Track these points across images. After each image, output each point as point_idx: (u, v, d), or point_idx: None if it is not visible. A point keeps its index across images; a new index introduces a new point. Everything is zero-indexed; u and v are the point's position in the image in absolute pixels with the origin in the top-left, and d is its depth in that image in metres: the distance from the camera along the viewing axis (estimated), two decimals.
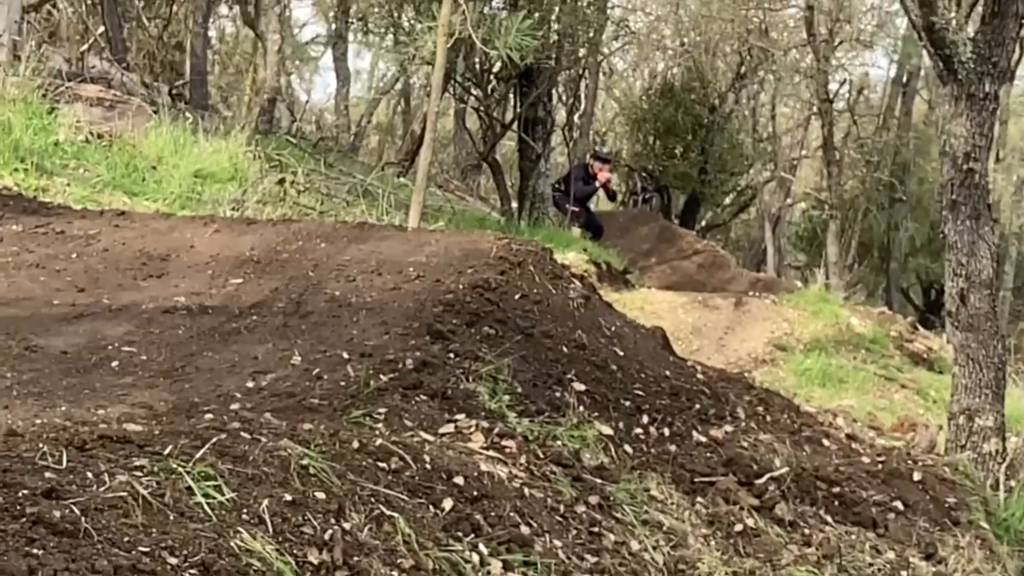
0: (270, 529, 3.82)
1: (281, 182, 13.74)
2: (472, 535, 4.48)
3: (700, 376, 7.37)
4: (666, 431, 6.17)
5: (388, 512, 4.27)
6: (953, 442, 8.84)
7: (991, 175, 11.18)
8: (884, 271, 37.31)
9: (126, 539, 3.41)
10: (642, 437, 6.02)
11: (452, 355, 5.75)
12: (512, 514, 4.70)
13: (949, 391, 9.29)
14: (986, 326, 8.70)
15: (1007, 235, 31.73)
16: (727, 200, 37.38)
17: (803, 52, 34.58)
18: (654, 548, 5.24)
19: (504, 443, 5.17)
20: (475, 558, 4.38)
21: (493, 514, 4.64)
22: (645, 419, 6.16)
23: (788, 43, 35.11)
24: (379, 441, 4.61)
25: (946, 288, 9.05)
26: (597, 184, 24.13)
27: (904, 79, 36.71)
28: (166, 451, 3.96)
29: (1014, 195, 32.78)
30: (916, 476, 6.99)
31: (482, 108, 20.82)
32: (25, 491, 3.44)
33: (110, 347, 5.94)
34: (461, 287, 6.46)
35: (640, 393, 6.40)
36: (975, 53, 8.37)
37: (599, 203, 26.55)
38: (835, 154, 32.19)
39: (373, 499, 4.30)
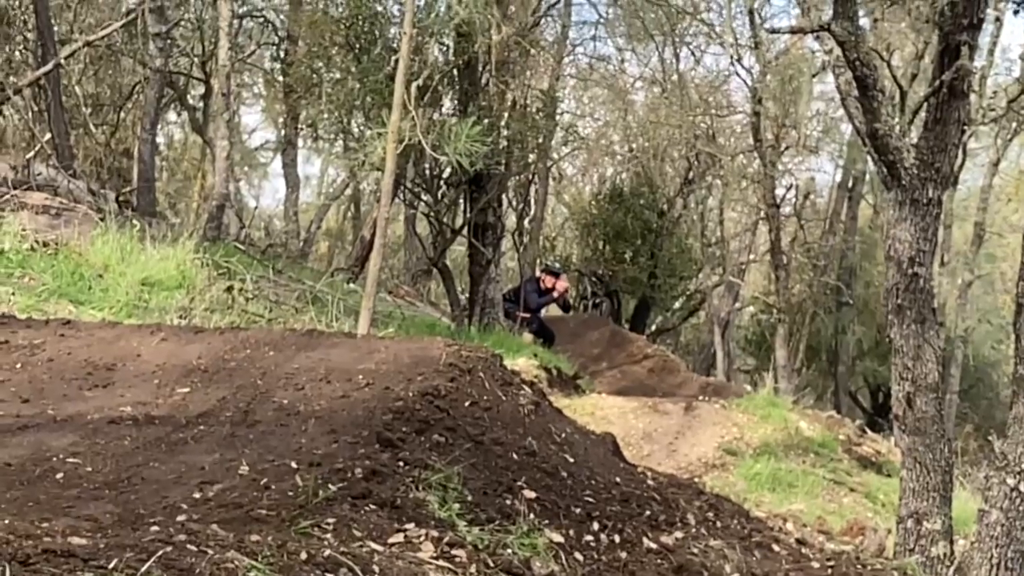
0: None
1: (229, 289, 13.70)
2: None
3: (650, 482, 7.35)
4: (616, 538, 6.14)
5: None
6: (902, 545, 8.87)
7: (936, 279, 11.28)
8: (832, 374, 37.48)
9: None
10: (593, 544, 5.99)
11: (402, 463, 5.73)
12: None
13: (897, 494, 9.32)
14: (933, 429, 8.75)
15: (952, 338, 31.94)
16: (677, 304, 37.58)
17: (750, 157, 34.94)
18: None
19: (454, 552, 5.13)
20: None
21: None
22: (596, 526, 6.14)
23: (735, 149, 35.48)
24: (327, 552, 4.57)
25: (893, 392, 9.10)
26: (555, 294, 24.28)
27: (849, 184, 37.12)
28: (111, 565, 3.92)
29: (959, 299, 33.05)
30: None
31: (432, 214, 20.87)
32: None
33: (55, 458, 5.88)
34: (411, 394, 6.44)
35: (591, 500, 6.38)
36: (918, 159, 8.49)
37: (549, 309, 26.61)
38: (783, 258, 32.40)
39: None
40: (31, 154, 19.23)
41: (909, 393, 8.72)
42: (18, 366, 7.18)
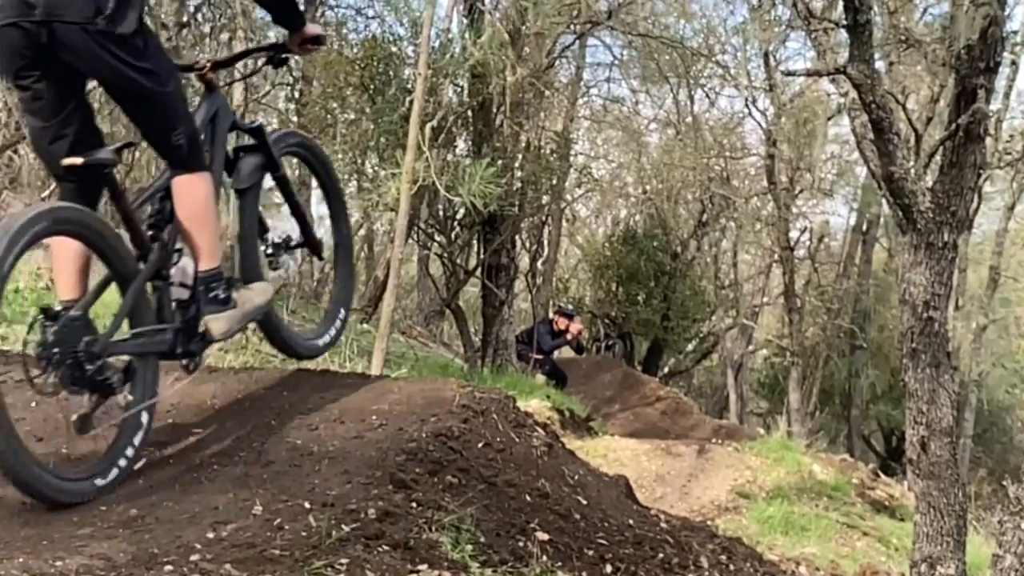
0: None
1: (243, 329, 13.71)
2: None
3: (663, 525, 7.34)
4: None
5: None
6: None
7: (951, 323, 11.27)
8: (845, 418, 37.39)
9: None
10: None
11: (415, 504, 5.71)
12: None
13: (910, 539, 9.28)
14: (947, 474, 8.72)
15: (967, 382, 31.87)
16: (690, 347, 37.56)
17: (764, 200, 34.96)
18: None
19: None
20: None
21: None
22: (608, 569, 6.12)
23: (749, 191, 35.50)
24: None
25: (907, 436, 9.08)
26: (569, 336, 24.32)
27: (864, 227, 37.10)
28: None
29: (973, 343, 32.97)
30: None
31: (446, 255, 20.92)
32: None
33: None
34: (424, 435, 6.43)
35: (603, 542, 6.36)
36: (934, 203, 8.48)
37: (562, 350, 26.61)
38: (796, 301, 32.40)
39: None
40: (46, 193, 19.27)
41: (923, 437, 8.70)
42: (32, 405, 7.19)
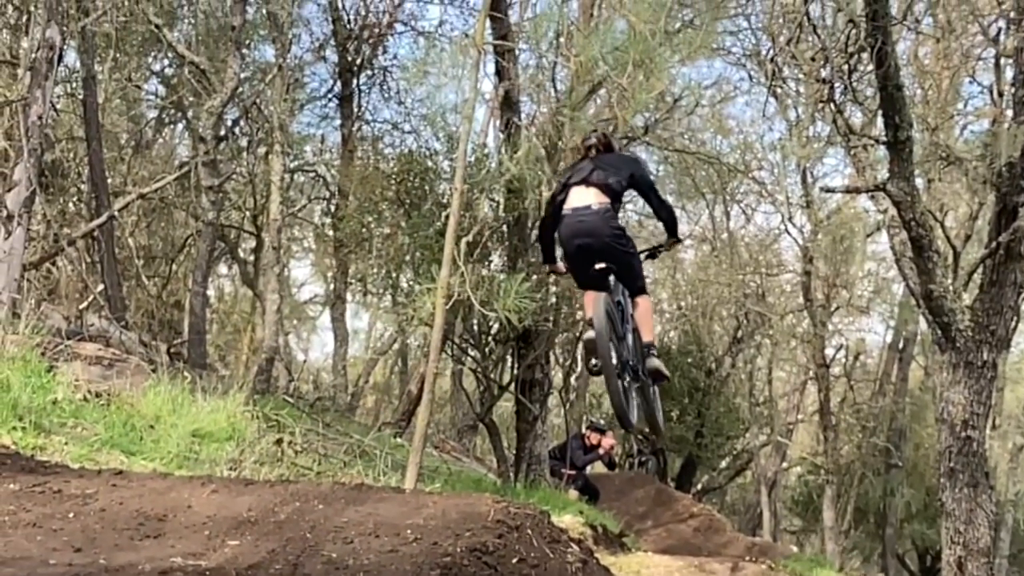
0: None
1: (279, 442, 13.71)
2: None
3: None
4: None
5: None
6: None
7: (987, 442, 11.22)
8: (880, 537, 37.10)
9: None
10: None
11: None
12: None
13: None
14: None
15: (1003, 502, 31.62)
16: (723, 464, 37.39)
17: (800, 317, 34.93)
18: None
19: None
20: None
21: None
22: None
23: (785, 308, 35.48)
24: None
25: (943, 556, 9.02)
26: (601, 451, 24.27)
27: (900, 345, 36.99)
28: None
29: (1010, 462, 32.73)
30: None
31: (479, 369, 20.86)
32: None
33: None
34: (459, 550, 6.42)
35: None
36: (973, 321, 8.50)
37: (594, 466, 26.54)
38: (831, 419, 32.27)
39: None
40: (84, 305, 19.39)
41: (960, 557, 8.65)
42: (71, 515, 7.20)
